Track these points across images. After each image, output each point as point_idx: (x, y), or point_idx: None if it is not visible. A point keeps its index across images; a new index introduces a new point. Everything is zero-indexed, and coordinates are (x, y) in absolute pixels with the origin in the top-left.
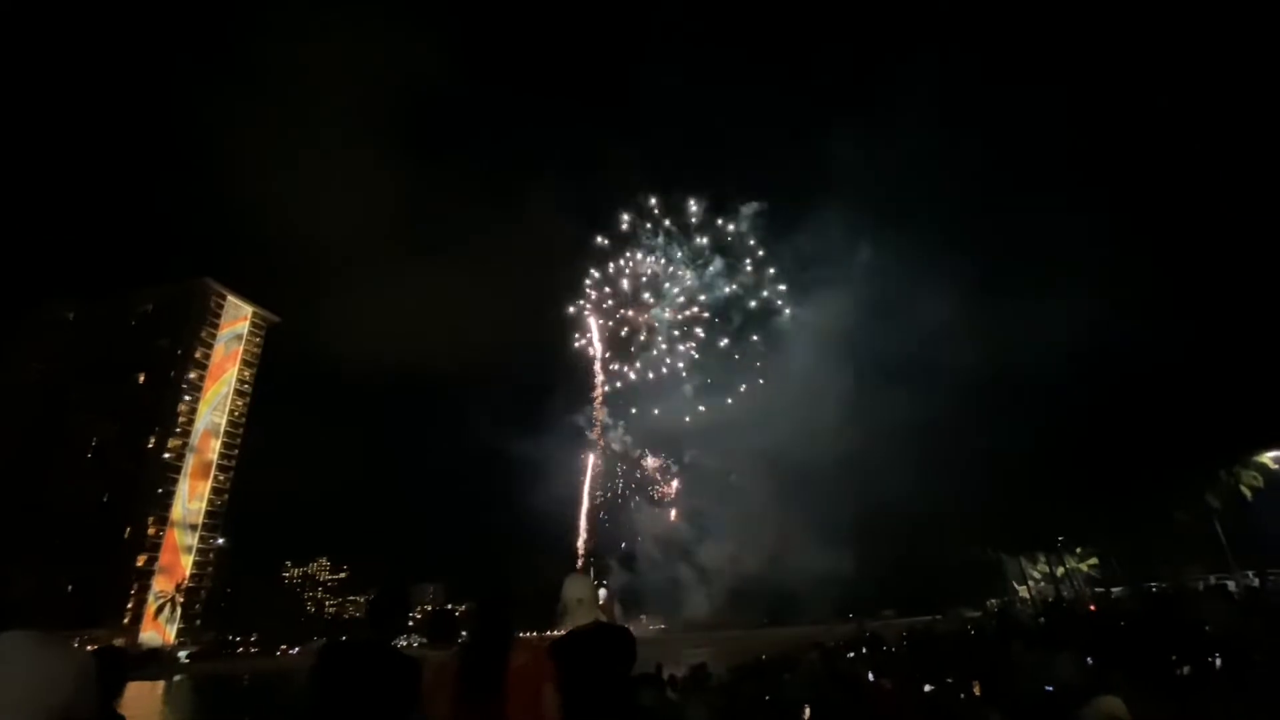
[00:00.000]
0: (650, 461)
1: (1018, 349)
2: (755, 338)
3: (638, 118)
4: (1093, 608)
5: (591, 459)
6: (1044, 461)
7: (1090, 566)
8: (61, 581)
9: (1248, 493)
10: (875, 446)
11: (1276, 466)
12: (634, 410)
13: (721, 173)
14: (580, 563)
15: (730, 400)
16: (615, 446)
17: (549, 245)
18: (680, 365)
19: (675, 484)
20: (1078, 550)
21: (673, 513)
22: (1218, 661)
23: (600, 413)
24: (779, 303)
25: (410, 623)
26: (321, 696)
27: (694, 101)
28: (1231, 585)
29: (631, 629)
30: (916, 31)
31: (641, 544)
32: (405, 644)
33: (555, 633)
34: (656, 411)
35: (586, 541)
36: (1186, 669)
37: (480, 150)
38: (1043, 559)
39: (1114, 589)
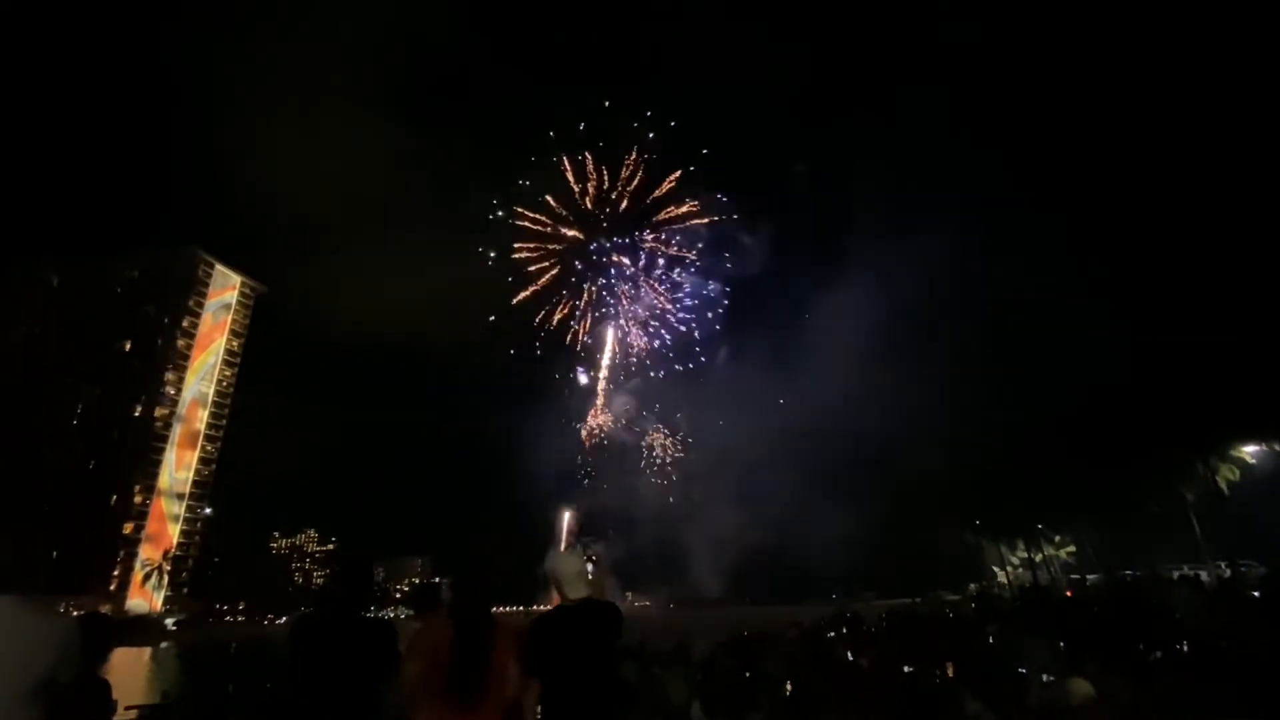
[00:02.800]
0: (650, 430)
1: (1002, 340)
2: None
3: (650, 84)
4: (1069, 594)
5: (588, 427)
6: (1025, 451)
7: (1068, 554)
8: (46, 547)
9: (1224, 486)
10: (866, 431)
11: (1254, 461)
12: (625, 379)
13: (744, 140)
14: (571, 537)
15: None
16: (621, 420)
17: (550, 215)
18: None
19: (668, 451)
20: (1056, 538)
21: (668, 488)
22: (1185, 647)
23: (602, 381)
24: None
25: (398, 594)
26: (299, 664)
27: (709, 70)
28: (1204, 575)
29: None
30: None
31: (637, 517)
32: (393, 615)
33: (540, 607)
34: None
35: (579, 514)
36: (1158, 654)
37: (479, 116)
38: (1022, 545)
39: (1089, 576)
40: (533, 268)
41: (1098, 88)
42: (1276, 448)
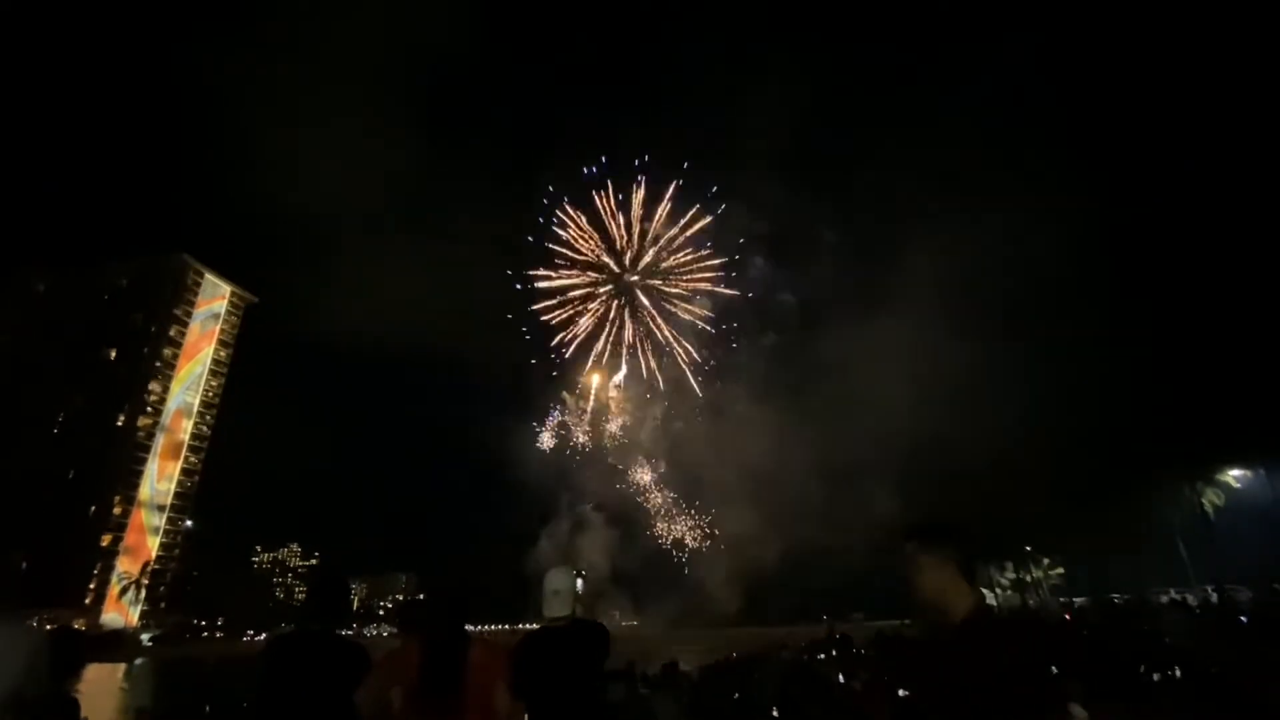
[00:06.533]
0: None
1: (993, 368)
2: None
3: (658, 98)
4: (1067, 616)
5: (580, 441)
6: (1014, 474)
7: (1058, 576)
8: (18, 559)
9: (1210, 510)
10: (856, 454)
11: (1239, 485)
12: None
13: (753, 156)
14: (559, 550)
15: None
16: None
17: (548, 223)
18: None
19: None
20: (1045, 561)
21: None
22: (1177, 672)
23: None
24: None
25: (382, 611)
26: (269, 685)
27: (718, 84)
28: (1191, 599)
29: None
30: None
31: (629, 534)
32: (375, 632)
33: (528, 625)
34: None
35: (569, 528)
36: (1155, 676)
37: (481, 122)
38: (1011, 567)
39: (1077, 599)
40: (556, 283)
41: (1126, 112)
42: (1261, 472)
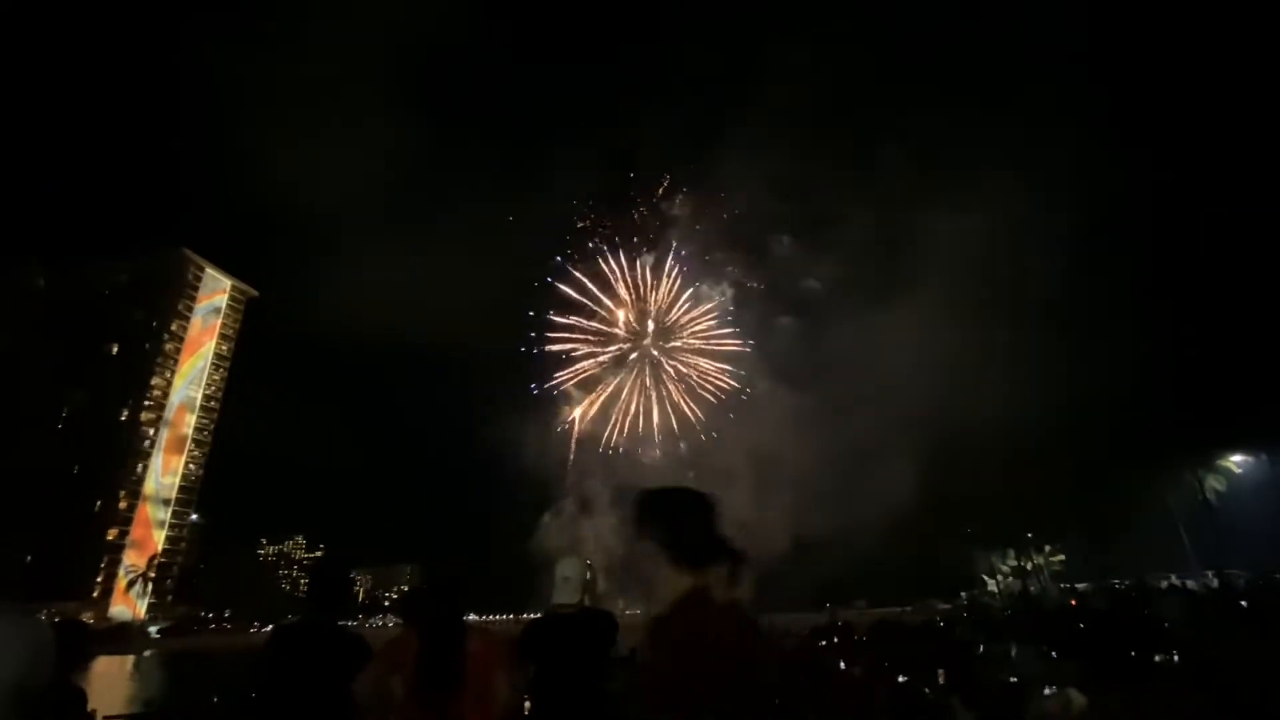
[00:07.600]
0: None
1: (995, 352)
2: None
3: (666, 85)
4: (1074, 603)
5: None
6: (1017, 461)
7: (1059, 562)
8: (22, 552)
9: (1211, 495)
10: (863, 440)
11: (1241, 470)
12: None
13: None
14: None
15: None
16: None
17: (557, 217)
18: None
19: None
20: (1046, 548)
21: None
22: (1175, 656)
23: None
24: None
25: (387, 602)
26: (271, 676)
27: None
28: (1191, 584)
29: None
30: None
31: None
32: (380, 624)
33: (531, 615)
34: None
35: (573, 516)
36: (1158, 658)
37: (488, 114)
38: (1012, 554)
39: (1078, 584)
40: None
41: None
42: (1263, 457)
